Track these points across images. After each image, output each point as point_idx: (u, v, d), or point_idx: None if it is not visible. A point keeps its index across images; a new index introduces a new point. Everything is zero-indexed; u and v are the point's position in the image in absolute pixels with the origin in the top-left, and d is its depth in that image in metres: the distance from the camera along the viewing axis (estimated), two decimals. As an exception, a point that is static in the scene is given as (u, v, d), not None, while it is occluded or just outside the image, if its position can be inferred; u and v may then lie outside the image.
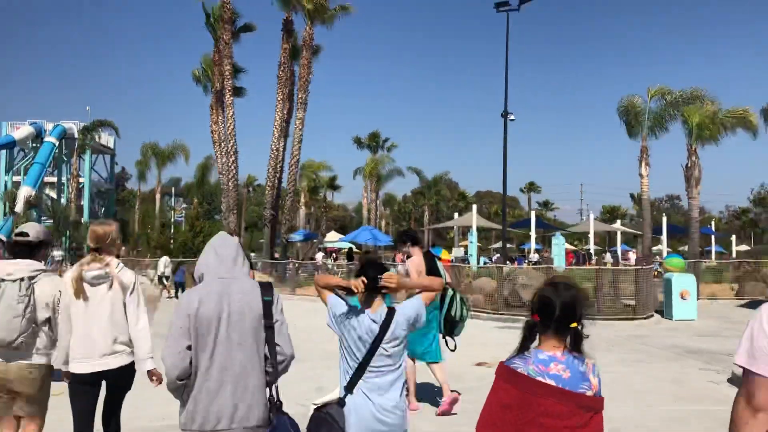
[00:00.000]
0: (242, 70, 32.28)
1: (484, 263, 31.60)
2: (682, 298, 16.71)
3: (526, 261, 37.78)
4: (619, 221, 62.77)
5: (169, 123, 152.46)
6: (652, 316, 16.80)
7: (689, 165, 25.69)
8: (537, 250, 43.04)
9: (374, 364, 3.51)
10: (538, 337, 2.73)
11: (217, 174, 34.79)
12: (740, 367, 2.08)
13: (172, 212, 39.84)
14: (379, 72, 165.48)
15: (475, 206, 39.45)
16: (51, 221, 44.05)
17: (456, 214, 53.33)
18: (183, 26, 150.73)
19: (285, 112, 30.41)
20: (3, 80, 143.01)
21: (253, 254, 31.75)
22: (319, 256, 35.67)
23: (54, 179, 54.54)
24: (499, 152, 28.91)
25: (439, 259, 8.60)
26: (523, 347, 2.71)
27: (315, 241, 37.98)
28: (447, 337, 7.26)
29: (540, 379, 2.59)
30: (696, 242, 26.85)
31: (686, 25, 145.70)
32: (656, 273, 19.85)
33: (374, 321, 3.55)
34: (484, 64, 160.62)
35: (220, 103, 29.90)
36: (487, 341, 12.93)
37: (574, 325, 2.67)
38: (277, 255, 32.12)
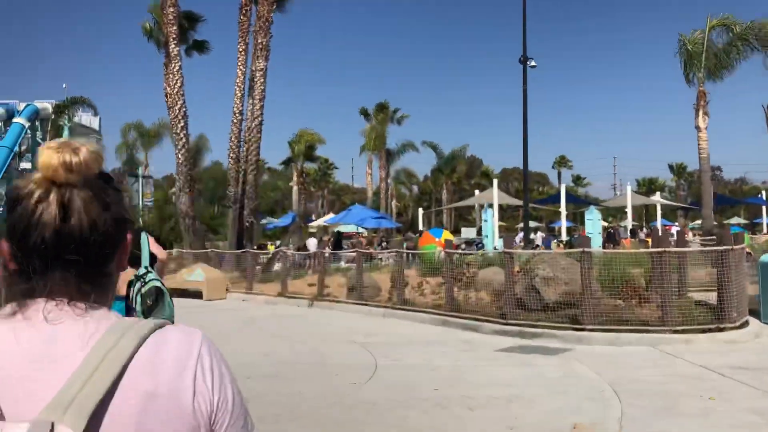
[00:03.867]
0: (199, 19, 26.61)
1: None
2: (793, 293, 10.77)
3: (556, 241, 31.82)
4: (658, 194, 56.72)
5: (158, 97, 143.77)
6: (747, 323, 10.88)
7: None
8: (569, 229, 37.33)
9: None
10: None
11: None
12: None
13: (140, 197, 35.10)
14: (383, 34, 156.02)
15: (495, 181, 33.98)
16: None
17: (476, 192, 47.90)
18: None
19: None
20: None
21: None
22: (312, 242, 30.14)
23: (29, 165, 49.82)
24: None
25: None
26: None
27: (293, 225, 32.42)
28: None
29: None
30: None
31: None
32: (749, 253, 13.85)
33: None
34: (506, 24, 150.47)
35: (180, 62, 24.42)
36: (478, 380, 7.28)
37: None
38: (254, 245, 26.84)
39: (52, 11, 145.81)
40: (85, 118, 51.40)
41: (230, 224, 24.03)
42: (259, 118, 23.50)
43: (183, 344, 1.02)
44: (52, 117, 43.61)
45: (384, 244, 24.90)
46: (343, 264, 20.77)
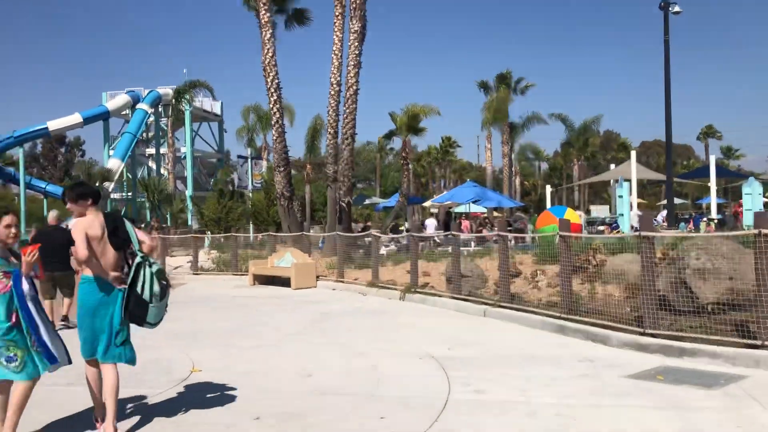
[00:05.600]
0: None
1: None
2: None
3: (705, 220, 27.44)
4: (831, 164, 49.21)
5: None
6: None
7: None
8: (719, 205, 32.50)
9: None
10: None
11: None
12: None
13: (250, 178, 34.29)
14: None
15: (633, 153, 30.12)
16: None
17: (612, 166, 43.45)
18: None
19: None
20: (108, 49, 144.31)
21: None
22: (431, 223, 27.73)
23: (154, 151, 51.07)
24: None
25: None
26: None
27: (396, 204, 29.92)
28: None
29: None
30: None
31: None
32: None
33: None
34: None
35: (271, 30, 22.63)
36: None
37: None
38: (360, 226, 24.87)
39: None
40: (206, 103, 51.90)
41: (329, 205, 22.13)
42: (354, 87, 21.16)
43: None
44: (173, 102, 43.91)
45: (489, 225, 21.99)
46: (450, 248, 18.26)
